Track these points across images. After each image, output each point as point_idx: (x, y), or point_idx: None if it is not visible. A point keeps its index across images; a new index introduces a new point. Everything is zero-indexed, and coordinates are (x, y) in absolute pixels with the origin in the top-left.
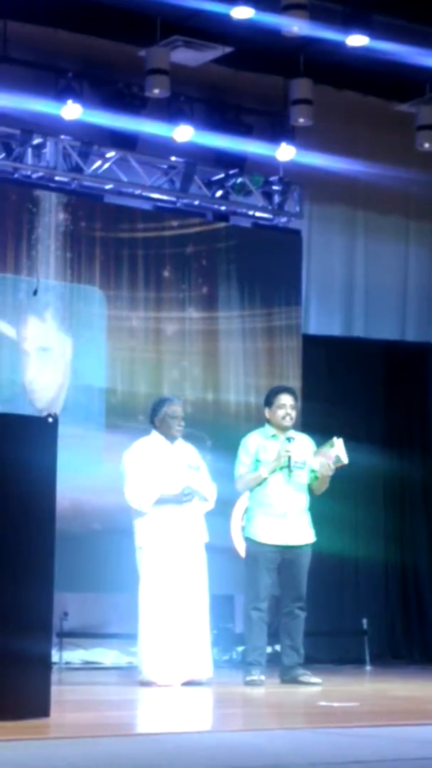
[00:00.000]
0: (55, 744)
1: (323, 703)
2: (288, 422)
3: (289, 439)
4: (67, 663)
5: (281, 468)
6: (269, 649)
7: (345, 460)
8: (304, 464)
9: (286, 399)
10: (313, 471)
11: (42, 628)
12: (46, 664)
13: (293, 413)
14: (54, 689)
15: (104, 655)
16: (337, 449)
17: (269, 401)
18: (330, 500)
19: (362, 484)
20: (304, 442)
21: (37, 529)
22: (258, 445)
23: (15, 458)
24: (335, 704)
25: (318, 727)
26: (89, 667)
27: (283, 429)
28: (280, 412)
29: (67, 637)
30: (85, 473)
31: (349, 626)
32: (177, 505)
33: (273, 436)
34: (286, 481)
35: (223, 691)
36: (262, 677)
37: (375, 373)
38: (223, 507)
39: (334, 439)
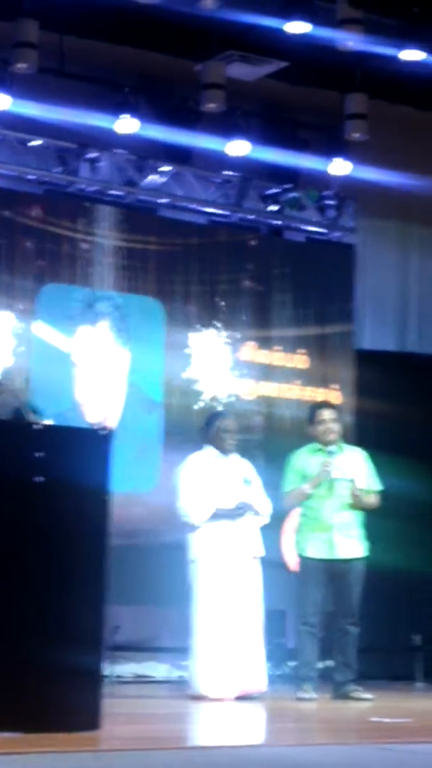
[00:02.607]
0: (105, 756)
1: (375, 719)
2: (330, 437)
3: (330, 453)
4: (118, 676)
5: (324, 483)
6: (321, 665)
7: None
8: (345, 478)
9: (325, 414)
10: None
11: (94, 641)
12: (97, 677)
13: (335, 427)
14: (105, 702)
15: (156, 668)
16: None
17: (311, 418)
18: (383, 515)
19: (416, 499)
20: (352, 455)
21: (90, 543)
22: (304, 461)
23: (68, 471)
24: (387, 720)
25: (370, 743)
26: (140, 680)
27: (327, 444)
28: (321, 428)
29: (119, 650)
30: (141, 486)
31: (401, 642)
32: (231, 519)
33: (318, 451)
34: (329, 495)
35: (276, 705)
36: (314, 693)
37: (429, 387)
38: (277, 522)
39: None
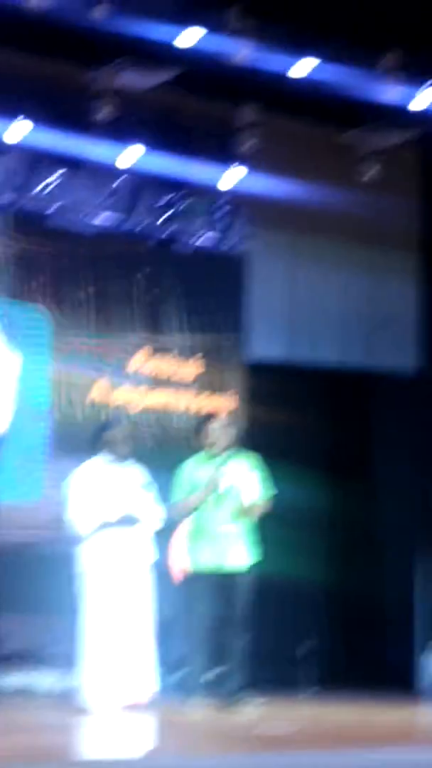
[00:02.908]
0: None
1: (263, 728)
2: (219, 446)
3: (219, 463)
4: (2, 687)
5: (213, 493)
6: (210, 674)
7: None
8: (231, 488)
9: (214, 424)
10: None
11: None
12: None
13: (223, 436)
14: None
15: (42, 679)
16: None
17: (199, 428)
18: (271, 524)
19: (304, 508)
20: (240, 465)
21: None
22: (193, 471)
23: None
24: (275, 729)
25: (257, 752)
26: (26, 691)
27: (216, 453)
28: (210, 438)
29: (4, 661)
30: (27, 496)
31: (289, 650)
32: (120, 529)
33: (207, 460)
34: (217, 506)
35: (164, 715)
36: (202, 702)
37: (317, 398)
38: (167, 531)
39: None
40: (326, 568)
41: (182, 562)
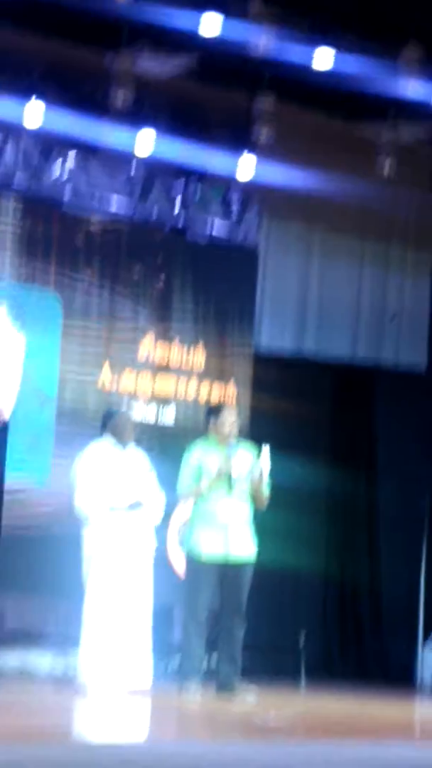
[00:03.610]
0: None
1: (258, 717)
2: (232, 434)
3: (231, 451)
4: (2, 667)
5: (222, 480)
6: (207, 662)
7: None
8: (240, 476)
9: (227, 411)
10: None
11: None
12: None
13: (234, 425)
14: None
15: (41, 660)
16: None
17: (212, 414)
18: (273, 513)
19: (306, 499)
20: (246, 454)
21: None
22: (200, 458)
23: None
24: (269, 718)
25: (252, 740)
26: (25, 672)
27: (227, 441)
28: (224, 426)
29: (3, 640)
30: (33, 478)
31: (286, 641)
32: (126, 513)
33: (216, 447)
34: (227, 494)
35: (160, 701)
36: (198, 689)
37: (324, 391)
38: (169, 517)
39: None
40: (328, 558)
41: (184, 549)
